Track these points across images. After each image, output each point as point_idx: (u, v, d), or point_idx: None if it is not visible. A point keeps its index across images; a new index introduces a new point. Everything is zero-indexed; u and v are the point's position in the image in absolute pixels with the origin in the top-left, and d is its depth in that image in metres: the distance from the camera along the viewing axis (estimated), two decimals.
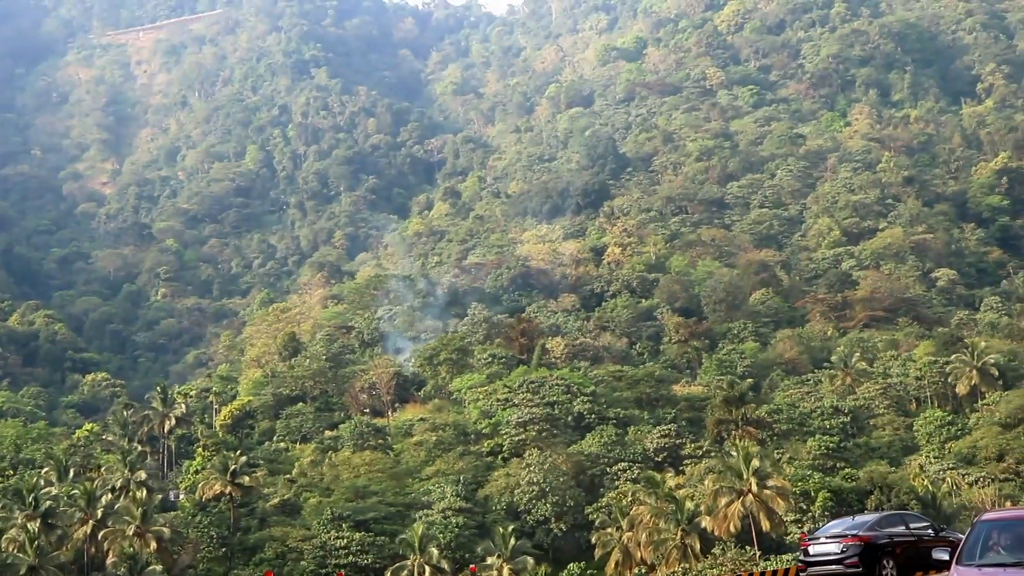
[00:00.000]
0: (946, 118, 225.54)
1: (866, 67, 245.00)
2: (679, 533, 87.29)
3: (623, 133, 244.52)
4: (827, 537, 31.23)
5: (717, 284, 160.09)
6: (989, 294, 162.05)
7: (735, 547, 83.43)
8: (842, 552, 30.05)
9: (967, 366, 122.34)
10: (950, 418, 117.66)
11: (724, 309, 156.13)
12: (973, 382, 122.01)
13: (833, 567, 30.16)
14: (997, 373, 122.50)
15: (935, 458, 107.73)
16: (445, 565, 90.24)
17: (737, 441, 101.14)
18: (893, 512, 39.17)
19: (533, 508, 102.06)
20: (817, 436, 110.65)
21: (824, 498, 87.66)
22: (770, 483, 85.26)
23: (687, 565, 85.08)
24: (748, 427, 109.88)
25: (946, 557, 15.73)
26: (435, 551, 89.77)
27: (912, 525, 32.47)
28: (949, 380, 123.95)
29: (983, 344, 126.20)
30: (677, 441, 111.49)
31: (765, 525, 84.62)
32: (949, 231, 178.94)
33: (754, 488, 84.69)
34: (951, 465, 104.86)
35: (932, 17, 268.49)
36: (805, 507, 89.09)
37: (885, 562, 30.00)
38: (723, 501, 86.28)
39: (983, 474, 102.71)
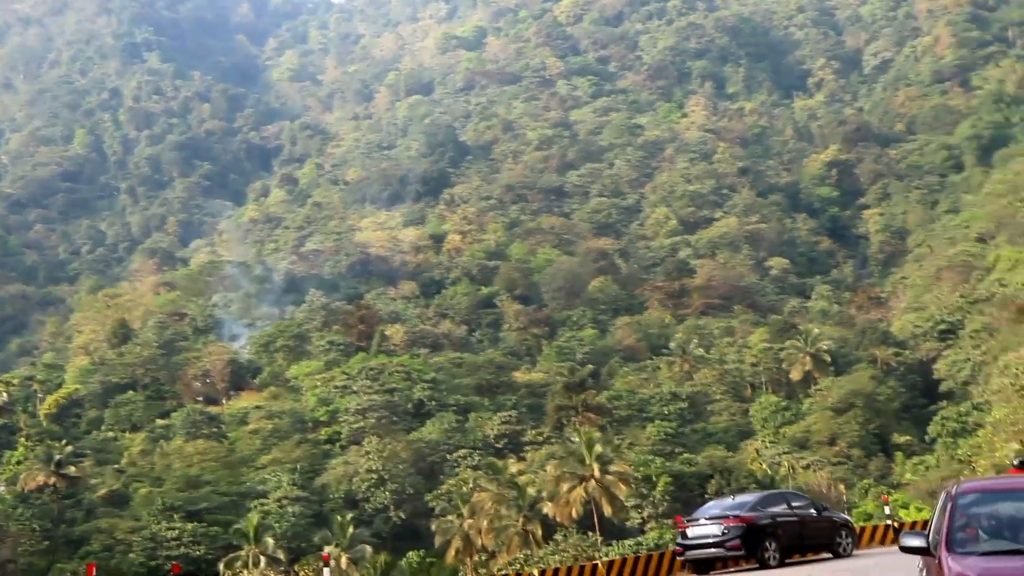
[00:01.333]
0: (779, 111, 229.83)
1: (702, 60, 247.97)
2: (521, 519, 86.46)
3: (463, 121, 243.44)
4: (707, 519, 29.62)
5: (557, 272, 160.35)
6: (820, 283, 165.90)
7: (577, 533, 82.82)
8: (723, 534, 28.54)
9: (800, 352, 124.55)
10: (784, 403, 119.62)
11: (563, 296, 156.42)
12: (806, 368, 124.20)
13: (714, 550, 28.82)
14: (829, 359, 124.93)
15: (770, 443, 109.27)
16: (281, 555, 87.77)
17: (578, 427, 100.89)
18: (775, 492, 38.12)
19: (372, 496, 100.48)
20: (656, 422, 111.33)
21: (665, 483, 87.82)
22: (612, 468, 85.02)
23: (529, 551, 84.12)
24: (588, 413, 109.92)
25: (918, 543, 12.09)
26: (271, 541, 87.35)
27: (794, 504, 31.16)
28: (783, 366, 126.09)
29: (816, 331, 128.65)
30: (518, 427, 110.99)
31: (607, 510, 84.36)
32: (782, 221, 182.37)
33: (596, 473, 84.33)
34: (786, 449, 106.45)
35: (765, 12, 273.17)
36: (646, 492, 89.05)
37: (768, 544, 28.68)
38: (565, 487, 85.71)
39: (816, 458, 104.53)
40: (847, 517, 34.74)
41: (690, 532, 29.36)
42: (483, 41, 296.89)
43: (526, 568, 72.89)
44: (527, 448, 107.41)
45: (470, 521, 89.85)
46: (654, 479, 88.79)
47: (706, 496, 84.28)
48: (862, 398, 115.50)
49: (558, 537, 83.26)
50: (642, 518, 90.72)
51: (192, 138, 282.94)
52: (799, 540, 29.93)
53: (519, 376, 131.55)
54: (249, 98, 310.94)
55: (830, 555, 30.36)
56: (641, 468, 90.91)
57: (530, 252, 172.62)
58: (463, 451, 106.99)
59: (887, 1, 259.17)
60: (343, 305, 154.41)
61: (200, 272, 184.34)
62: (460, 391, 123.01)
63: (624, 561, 32.15)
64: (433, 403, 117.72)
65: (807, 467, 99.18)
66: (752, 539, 28.29)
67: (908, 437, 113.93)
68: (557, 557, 76.18)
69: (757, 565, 28.81)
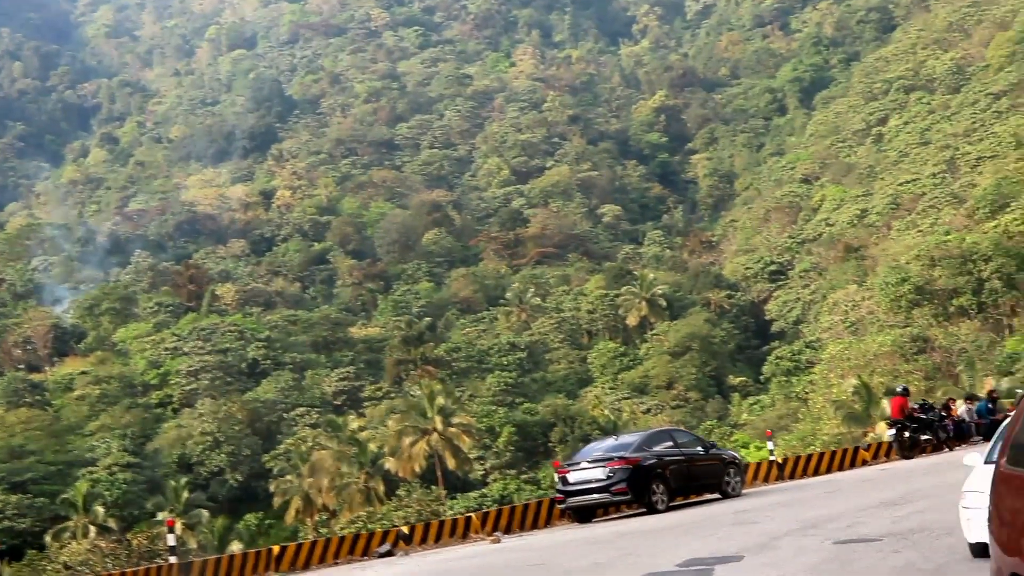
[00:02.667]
0: (606, 58, 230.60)
1: (528, 8, 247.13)
2: (363, 476, 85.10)
3: (288, 75, 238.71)
4: (589, 462, 27.00)
5: (390, 225, 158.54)
6: (652, 228, 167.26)
7: (421, 487, 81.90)
8: (608, 478, 26.14)
9: (636, 298, 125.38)
10: (622, 349, 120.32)
11: (398, 250, 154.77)
12: (642, 313, 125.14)
13: (598, 496, 26.48)
14: (665, 304, 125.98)
15: (610, 389, 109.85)
16: (112, 523, 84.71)
17: (418, 380, 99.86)
18: (660, 429, 34.42)
19: (207, 459, 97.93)
20: (496, 372, 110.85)
21: (509, 433, 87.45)
22: (455, 420, 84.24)
23: (372, 508, 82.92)
24: (427, 366, 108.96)
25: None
26: (101, 510, 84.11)
27: (680, 442, 28.83)
28: (620, 312, 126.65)
29: (651, 276, 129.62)
30: (356, 383, 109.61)
31: (451, 463, 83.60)
32: (613, 168, 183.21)
33: (439, 426, 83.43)
34: (625, 395, 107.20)
35: None
36: (489, 443, 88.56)
37: (656, 486, 26.52)
38: (408, 441, 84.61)
39: (656, 402, 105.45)
40: (735, 454, 32.10)
41: (571, 477, 26.93)
42: None
43: (369, 526, 71.85)
44: (367, 404, 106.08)
45: (310, 480, 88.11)
46: (497, 430, 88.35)
47: (549, 444, 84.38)
48: (698, 341, 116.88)
49: (401, 493, 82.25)
50: (485, 470, 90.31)
51: (4, 98, 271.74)
52: (687, 481, 27.95)
53: (356, 332, 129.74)
54: (63, 56, 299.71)
55: (718, 495, 28.51)
56: (484, 419, 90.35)
57: (362, 206, 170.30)
58: (301, 409, 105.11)
59: None
60: (171, 266, 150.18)
61: (17, 235, 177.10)
62: (296, 349, 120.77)
63: (500, 512, 29.51)
64: (268, 362, 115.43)
65: (647, 411, 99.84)
66: (639, 482, 26.19)
67: (743, 378, 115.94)
68: (401, 513, 75.11)
69: (644, 510, 26.94)
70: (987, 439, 37.71)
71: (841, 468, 34.88)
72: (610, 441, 29.23)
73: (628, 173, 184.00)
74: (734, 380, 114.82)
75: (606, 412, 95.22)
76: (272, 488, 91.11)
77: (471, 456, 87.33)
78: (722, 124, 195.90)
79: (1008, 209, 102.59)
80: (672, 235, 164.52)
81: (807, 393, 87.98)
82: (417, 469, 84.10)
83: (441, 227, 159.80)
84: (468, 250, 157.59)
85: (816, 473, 34.10)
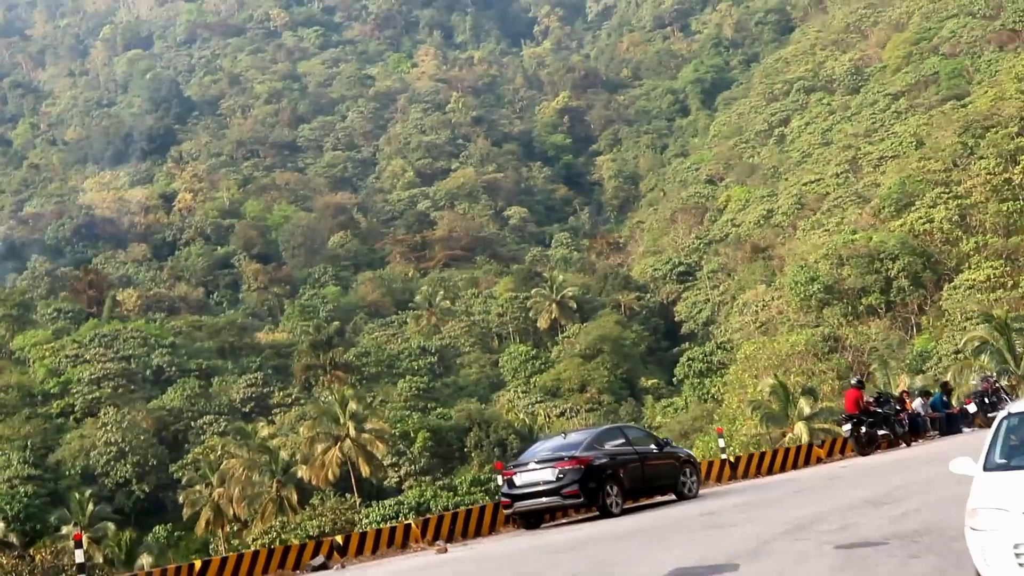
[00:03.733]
0: (508, 59, 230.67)
1: (429, 9, 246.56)
2: (275, 485, 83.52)
3: (187, 76, 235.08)
4: (537, 463, 24.92)
5: (295, 229, 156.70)
6: (558, 230, 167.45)
7: (335, 495, 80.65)
8: (558, 479, 24.17)
9: (547, 300, 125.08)
10: (533, 352, 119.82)
11: (303, 254, 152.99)
12: (553, 316, 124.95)
13: (547, 499, 24.46)
14: (575, 306, 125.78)
15: (523, 392, 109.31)
16: (14, 538, 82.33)
17: (328, 386, 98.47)
18: (611, 426, 32.18)
19: (112, 470, 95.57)
20: (407, 377, 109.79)
21: (424, 438, 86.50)
22: (368, 426, 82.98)
23: (285, 518, 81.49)
24: (337, 371, 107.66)
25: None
26: (1, 524, 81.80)
27: (632, 438, 26.81)
28: (530, 315, 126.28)
29: (561, 278, 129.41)
30: (265, 390, 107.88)
31: (365, 470, 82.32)
32: (518, 170, 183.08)
33: (352, 432, 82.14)
34: (538, 399, 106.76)
35: None
36: (404, 449, 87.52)
37: (609, 487, 24.58)
38: (320, 448, 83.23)
39: (569, 405, 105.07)
40: (690, 452, 30.28)
41: (518, 480, 24.80)
42: None
43: (283, 536, 70.62)
44: (276, 411, 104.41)
45: (220, 490, 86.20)
46: (412, 435, 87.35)
47: (465, 449, 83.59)
48: (609, 343, 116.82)
49: (315, 501, 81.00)
50: (400, 476, 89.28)
51: None
52: (642, 482, 25.87)
53: (263, 337, 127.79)
54: None
55: (674, 497, 26.68)
56: (398, 425, 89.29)
57: (266, 209, 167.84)
58: (208, 417, 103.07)
59: None
60: (70, 271, 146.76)
61: None
62: (201, 355, 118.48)
63: (441, 519, 27.16)
64: (173, 369, 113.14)
65: (562, 415, 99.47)
66: (591, 483, 24.23)
67: (655, 380, 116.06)
68: (315, 522, 74.02)
69: (596, 514, 25.03)
70: (943, 433, 37.19)
71: (795, 466, 33.66)
72: (558, 440, 27.07)
73: (533, 175, 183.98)
74: (646, 382, 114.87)
75: (521, 416, 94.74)
76: (181, 499, 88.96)
77: (385, 463, 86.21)
78: (626, 125, 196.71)
79: (913, 208, 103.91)
80: (579, 237, 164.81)
81: (721, 394, 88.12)
82: (331, 477, 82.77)
83: (347, 230, 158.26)
84: (375, 253, 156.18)
85: (771, 472, 32.81)
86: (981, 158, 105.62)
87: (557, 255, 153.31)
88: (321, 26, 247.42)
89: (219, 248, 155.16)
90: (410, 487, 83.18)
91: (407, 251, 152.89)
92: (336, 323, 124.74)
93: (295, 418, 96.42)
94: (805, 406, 66.49)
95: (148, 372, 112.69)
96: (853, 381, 37.32)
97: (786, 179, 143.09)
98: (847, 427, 34.27)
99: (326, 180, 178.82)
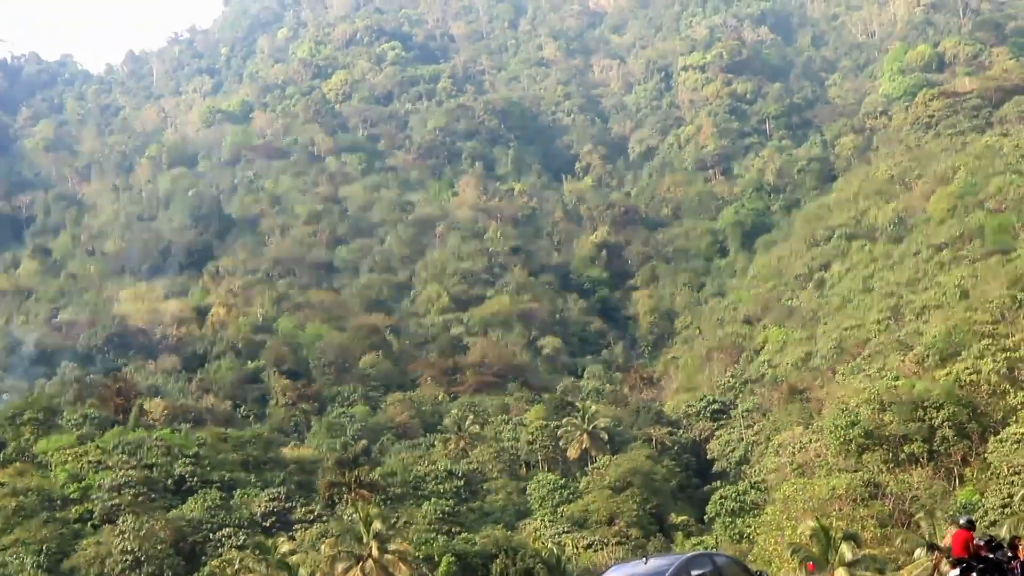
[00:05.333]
0: (548, 193, 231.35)
1: (472, 141, 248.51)
2: None
3: (229, 194, 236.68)
4: None
5: (327, 347, 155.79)
6: (591, 362, 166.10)
7: None
8: None
9: (578, 430, 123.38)
10: (562, 482, 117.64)
11: (333, 372, 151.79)
12: (583, 446, 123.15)
13: None
14: (606, 437, 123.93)
15: (549, 522, 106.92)
16: None
17: (352, 504, 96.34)
18: (698, 552, 28.90)
19: None
20: (432, 500, 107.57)
21: (448, 562, 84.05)
22: (391, 547, 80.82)
23: None
24: (361, 490, 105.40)
25: None
26: None
27: (722, 566, 23.83)
28: (560, 444, 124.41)
29: (593, 408, 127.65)
30: (287, 505, 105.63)
31: None
32: (553, 301, 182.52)
33: (375, 552, 79.96)
34: (565, 529, 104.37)
35: (533, 97, 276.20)
36: (428, 572, 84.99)
37: None
38: (341, 567, 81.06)
39: (596, 537, 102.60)
40: None
41: None
42: (250, 116, 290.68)
43: None
44: (297, 527, 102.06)
45: None
46: (436, 558, 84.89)
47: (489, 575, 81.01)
48: (639, 477, 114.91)
49: None
50: None
51: None
52: None
53: (288, 452, 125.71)
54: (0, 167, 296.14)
55: None
56: (422, 547, 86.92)
57: (299, 327, 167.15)
58: (228, 530, 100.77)
59: (651, 91, 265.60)
60: (99, 378, 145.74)
61: None
62: (225, 467, 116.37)
63: None
64: (195, 479, 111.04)
65: (589, 546, 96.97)
66: None
67: (685, 517, 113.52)
68: None
69: None
70: None
71: None
72: (638, 565, 23.53)
73: (569, 306, 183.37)
74: (676, 519, 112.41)
75: (548, 545, 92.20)
76: None
77: None
78: (663, 263, 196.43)
79: (959, 358, 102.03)
80: (612, 370, 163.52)
81: (755, 534, 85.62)
82: None
83: (379, 351, 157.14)
84: (406, 376, 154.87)
85: None
86: None
87: (589, 386, 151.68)
88: (364, 152, 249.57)
89: (249, 363, 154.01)
90: None
91: (438, 375, 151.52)
92: (363, 442, 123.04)
93: (316, 535, 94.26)
94: (847, 551, 64.21)
95: (170, 481, 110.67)
96: (962, 521, 32.78)
97: (825, 323, 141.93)
98: (954, 572, 30.71)
99: (360, 301, 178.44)
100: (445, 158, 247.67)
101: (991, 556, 30.74)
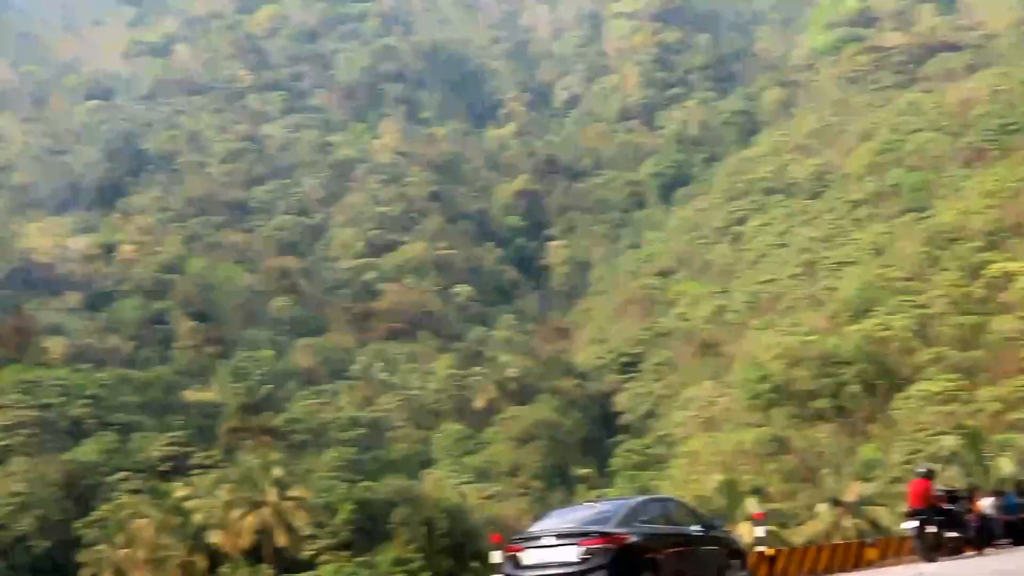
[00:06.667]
0: (471, 139, 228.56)
1: (397, 83, 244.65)
2: (185, 549, 78.92)
3: (145, 130, 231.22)
4: (556, 536, 19.01)
5: (236, 289, 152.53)
6: (504, 312, 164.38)
7: (246, 564, 76.22)
8: (582, 561, 18.33)
9: (488, 380, 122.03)
10: (468, 432, 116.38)
11: (242, 315, 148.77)
12: (491, 396, 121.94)
13: None
14: (515, 388, 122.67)
15: (453, 472, 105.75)
16: None
17: (253, 450, 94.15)
18: (650, 496, 24.99)
19: (13, 523, 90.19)
20: (335, 447, 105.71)
21: (348, 511, 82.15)
22: (291, 494, 78.72)
23: None
24: (263, 436, 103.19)
25: None
26: None
27: (675, 516, 21.06)
28: (468, 394, 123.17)
29: (503, 358, 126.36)
30: (186, 449, 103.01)
31: (282, 540, 77.87)
32: (470, 249, 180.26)
33: (273, 499, 77.83)
34: (468, 479, 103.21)
35: (460, 41, 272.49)
36: (326, 521, 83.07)
37: None
38: (237, 513, 78.80)
39: (499, 488, 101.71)
40: (737, 539, 23.80)
41: (527, 558, 19.03)
42: (172, 49, 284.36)
43: None
44: (195, 472, 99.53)
45: (125, 551, 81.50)
46: (335, 507, 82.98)
47: (389, 525, 79.39)
48: (545, 429, 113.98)
49: (225, 570, 76.71)
50: (317, 550, 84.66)
51: None
52: (684, 573, 19.88)
53: (190, 396, 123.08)
54: None
55: None
56: (323, 495, 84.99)
57: (209, 268, 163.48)
58: (123, 473, 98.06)
59: (578, 38, 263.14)
60: None
61: None
62: (124, 409, 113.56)
63: None
64: (93, 421, 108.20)
65: (491, 497, 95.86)
66: (625, 570, 18.39)
67: (588, 469, 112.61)
68: None
69: None
70: (1017, 542, 32.21)
71: (843, 568, 28.58)
72: (583, 509, 21.12)
73: (485, 255, 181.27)
74: (580, 471, 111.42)
75: (451, 495, 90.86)
76: (82, 558, 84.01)
77: (304, 533, 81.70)
78: (582, 213, 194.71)
79: (871, 314, 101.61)
80: (525, 320, 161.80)
81: (661, 487, 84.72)
82: (245, 545, 78.32)
83: (290, 295, 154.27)
84: (316, 321, 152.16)
85: (813, 573, 27.73)
86: (944, 270, 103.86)
87: (501, 337, 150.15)
88: (286, 91, 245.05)
89: (156, 303, 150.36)
90: (327, 562, 78.75)
91: (349, 321, 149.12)
92: (268, 387, 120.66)
93: (215, 481, 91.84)
94: (753, 505, 63.27)
95: (67, 423, 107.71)
96: (922, 471, 30.65)
97: (740, 277, 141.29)
98: (912, 524, 28.65)
99: (274, 243, 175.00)
100: (368, 100, 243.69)
101: (951, 508, 29.26)
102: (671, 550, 19.53)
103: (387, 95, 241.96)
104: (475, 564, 68.96)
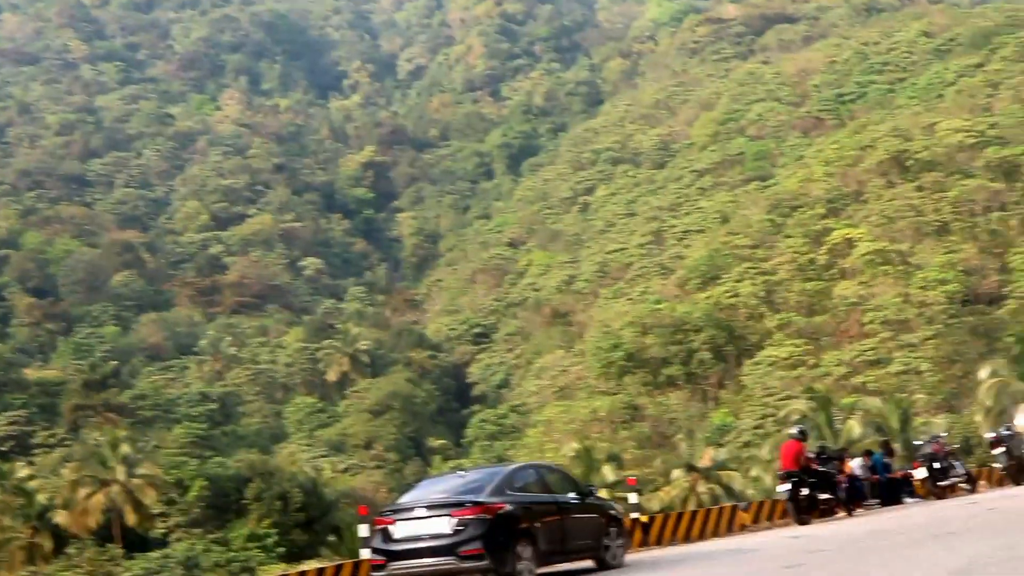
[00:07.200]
0: (315, 110, 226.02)
1: (237, 54, 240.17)
2: (28, 531, 76.39)
3: None
4: (427, 508, 18.17)
5: (76, 264, 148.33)
6: (353, 284, 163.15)
7: (94, 545, 74.09)
8: (456, 532, 17.55)
9: (339, 352, 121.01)
10: (320, 405, 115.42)
11: (84, 291, 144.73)
12: (343, 369, 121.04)
13: (439, 560, 17.65)
14: (367, 360, 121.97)
15: (306, 445, 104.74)
16: None
17: (99, 428, 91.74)
18: (523, 464, 22.71)
19: None
20: (184, 423, 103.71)
21: (200, 486, 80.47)
22: (140, 471, 76.72)
23: (35, 567, 74.48)
24: (109, 413, 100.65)
25: None
26: None
27: (550, 483, 20.16)
28: (320, 367, 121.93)
29: (355, 330, 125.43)
30: (27, 428, 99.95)
31: (131, 519, 75.83)
32: (317, 221, 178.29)
33: (122, 477, 75.75)
34: (322, 452, 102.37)
35: (301, 11, 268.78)
36: (177, 498, 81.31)
37: (521, 548, 17.89)
38: (83, 493, 76.38)
39: (354, 461, 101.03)
40: (615, 505, 22.59)
41: (398, 531, 18.09)
42: None
43: None
44: (38, 451, 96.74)
45: None
46: (187, 483, 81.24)
47: (243, 501, 78.02)
48: (399, 400, 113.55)
49: (72, 551, 74.41)
50: (168, 527, 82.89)
51: None
52: (561, 543, 19.06)
53: (30, 373, 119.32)
54: None
55: (593, 564, 20.24)
56: (173, 471, 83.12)
57: (47, 242, 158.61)
58: None
59: (421, 8, 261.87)
60: None
61: None
62: None
63: None
64: None
65: (346, 470, 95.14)
66: (500, 539, 17.69)
67: (444, 440, 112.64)
68: (69, 573, 67.85)
69: None
70: (886, 502, 31.92)
71: (716, 533, 27.97)
72: (454, 478, 20.14)
73: (332, 227, 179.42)
74: (435, 442, 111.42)
75: (305, 469, 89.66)
76: None
77: (154, 511, 79.82)
78: (429, 184, 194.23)
79: (719, 281, 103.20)
80: (374, 292, 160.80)
81: (516, 456, 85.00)
82: (93, 524, 76.14)
83: (132, 269, 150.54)
84: (160, 295, 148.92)
85: (688, 539, 27.04)
86: (788, 236, 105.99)
87: (351, 309, 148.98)
88: (123, 61, 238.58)
89: None
90: (179, 539, 77.07)
91: (195, 295, 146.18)
92: (113, 363, 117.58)
93: (58, 460, 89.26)
94: (609, 472, 63.74)
95: None
96: (794, 431, 29.65)
97: (589, 247, 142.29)
98: (784, 487, 27.77)
99: (115, 217, 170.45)
100: (208, 71, 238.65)
101: (823, 469, 28.61)
102: (548, 519, 18.89)
103: (228, 66, 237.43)
104: (332, 538, 67.96)
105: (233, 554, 67.89)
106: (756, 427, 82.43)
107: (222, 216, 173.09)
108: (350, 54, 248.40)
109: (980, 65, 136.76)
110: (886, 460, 33.88)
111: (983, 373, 65.98)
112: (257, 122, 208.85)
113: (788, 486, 27.50)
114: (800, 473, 27.62)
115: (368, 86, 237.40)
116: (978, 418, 63.77)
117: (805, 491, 27.51)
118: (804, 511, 27.54)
